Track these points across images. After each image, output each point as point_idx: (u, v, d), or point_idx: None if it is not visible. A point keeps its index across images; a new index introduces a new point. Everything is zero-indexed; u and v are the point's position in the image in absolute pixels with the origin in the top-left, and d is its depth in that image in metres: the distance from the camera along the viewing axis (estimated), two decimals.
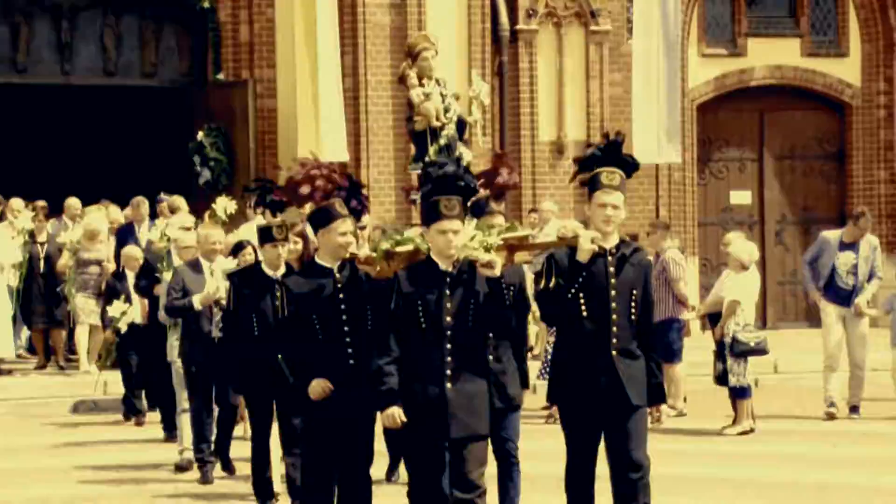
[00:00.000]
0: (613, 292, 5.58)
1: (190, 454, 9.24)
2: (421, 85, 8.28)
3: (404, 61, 8.63)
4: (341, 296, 6.02)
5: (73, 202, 15.39)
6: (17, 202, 14.95)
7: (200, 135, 16.69)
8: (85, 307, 13.23)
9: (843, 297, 10.41)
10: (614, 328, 5.58)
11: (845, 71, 18.68)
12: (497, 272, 5.49)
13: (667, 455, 8.50)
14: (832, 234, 11.20)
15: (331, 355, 5.96)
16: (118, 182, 17.44)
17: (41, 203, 15.43)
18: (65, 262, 13.49)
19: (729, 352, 9.62)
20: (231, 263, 9.10)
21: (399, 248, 6.51)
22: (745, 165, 17.42)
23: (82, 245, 13.42)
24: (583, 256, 5.47)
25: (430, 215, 5.58)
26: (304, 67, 15.57)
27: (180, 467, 9.24)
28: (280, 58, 16.60)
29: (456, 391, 5.51)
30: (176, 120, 18.09)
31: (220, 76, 17.12)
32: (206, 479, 8.65)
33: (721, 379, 9.84)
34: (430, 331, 5.53)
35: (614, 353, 5.53)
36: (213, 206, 10.99)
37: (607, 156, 5.71)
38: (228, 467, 9.26)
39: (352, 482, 6.14)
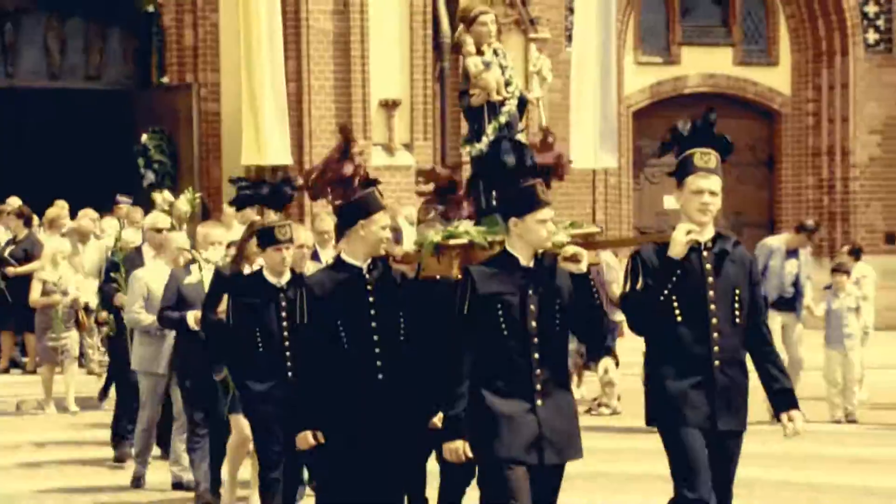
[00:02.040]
0: (713, 293, 4.83)
1: (188, 475, 8.58)
2: (480, 53, 6.96)
3: (460, 25, 7.37)
4: (371, 299, 5.31)
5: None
6: None
7: (145, 137, 16.80)
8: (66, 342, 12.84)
9: (783, 303, 10.69)
10: (715, 334, 4.82)
11: (776, 79, 19.39)
12: (584, 267, 4.83)
13: (609, 452, 8.86)
14: (775, 241, 11.39)
15: (357, 369, 5.26)
16: (64, 184, 17.05)
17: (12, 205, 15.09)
18: (36, 297, 12.94)
19: None
20: (217, 253, 8.35)
21: (452, 242, 5.98)
22: None
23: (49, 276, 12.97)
24: (677, 251, 4.73)
25: (526, 203, 4.83)
26: (247, 71, 15.01)
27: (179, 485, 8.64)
28: (224, 62, 16.64)
29: (547, 408, 4.78)
30: (120, 123, 18.02)
31: (165, 79, 17.28)
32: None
33: None
34: (512, 337, 4.77)
35: (716, 363, 4.79)
36: (161, 203, 10.81)
37: (698, 136, 4.95)
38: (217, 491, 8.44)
39: None
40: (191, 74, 17.24)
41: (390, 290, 5.33)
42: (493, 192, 6.10)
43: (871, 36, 19.57)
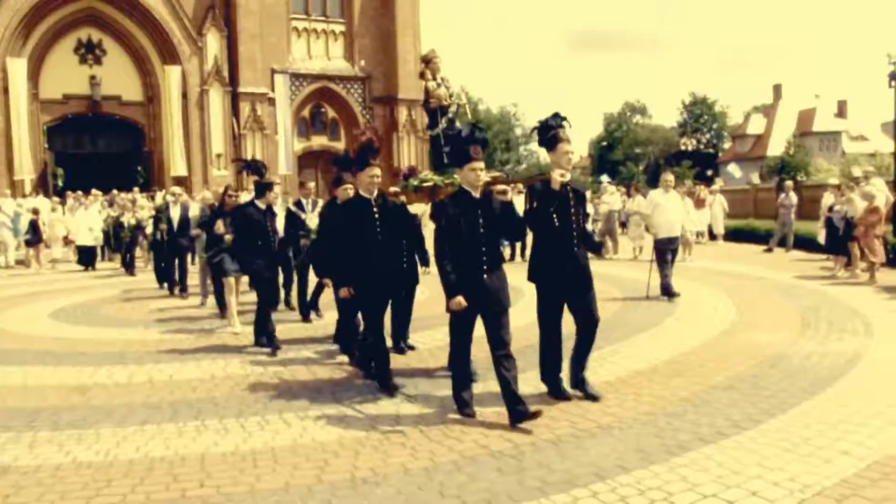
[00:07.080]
0: (572, 209, 6.16)
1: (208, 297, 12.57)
2: (434, 79, 8.51)
3: (422, 64, 9.27)
4: (375, 216, 6.79)
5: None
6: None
7: (139, 169, 33.78)
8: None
9: None
10: (574, 231, 6.20)
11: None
12: (509, 197, 6.16)
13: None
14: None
15: (368, 249, 6.77)
16: (111, 184, 29.07)
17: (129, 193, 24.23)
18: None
19: None
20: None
21: (423, 185, 7.57)
22: None
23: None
24: (556, 186, 5.96)
25: (463, 158, 5.90)
26: (171, 150, 33.28)
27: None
28: (165, 138, 33.16)
29: (490, 278, 5.90)
30: (129, 168, 33.52)
31: (146, 149, 34.03)
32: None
33: None
34: (470, 238, 5.84)
35: (575, 248, 6.23)
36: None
37: (558, 122, 6.29)
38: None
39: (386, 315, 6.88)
40: (158, 146, 33.47)
41: (386, 211, 6.81)
42: (445, 154, 7.48)
43: None
